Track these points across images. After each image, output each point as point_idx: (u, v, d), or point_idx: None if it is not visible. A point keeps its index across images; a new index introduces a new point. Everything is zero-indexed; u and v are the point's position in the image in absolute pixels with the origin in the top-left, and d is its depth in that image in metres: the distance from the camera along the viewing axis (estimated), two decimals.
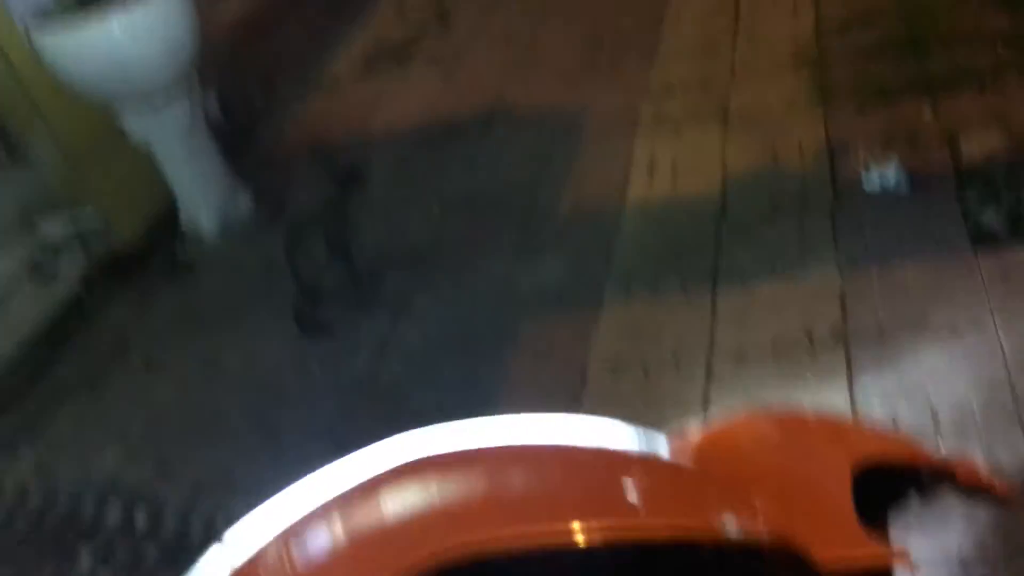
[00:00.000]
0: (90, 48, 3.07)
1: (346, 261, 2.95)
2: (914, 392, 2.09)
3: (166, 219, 3.63)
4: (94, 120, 3.35)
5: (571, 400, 2.37)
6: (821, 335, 2.31)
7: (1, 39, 3.14)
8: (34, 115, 3.26)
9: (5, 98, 3.26)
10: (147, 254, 3.57)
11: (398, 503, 1.02)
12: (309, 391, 2.73)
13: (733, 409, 2.10)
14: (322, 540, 1.00)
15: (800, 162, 2.95)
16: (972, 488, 1.28)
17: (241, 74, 4.37)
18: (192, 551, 1.04)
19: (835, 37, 3.55)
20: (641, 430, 1.14)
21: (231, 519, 1.05)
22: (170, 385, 2.94)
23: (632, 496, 1.06)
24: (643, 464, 1.11)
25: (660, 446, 1.14)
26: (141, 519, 2.43)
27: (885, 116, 3.01)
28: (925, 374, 2.12)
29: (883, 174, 2.71)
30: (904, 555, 1.05)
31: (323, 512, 1.00)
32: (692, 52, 3.80)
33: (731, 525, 0.99)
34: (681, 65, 3.73)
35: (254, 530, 1.01)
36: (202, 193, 3.44)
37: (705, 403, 2.24)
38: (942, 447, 1.93)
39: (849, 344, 2.25)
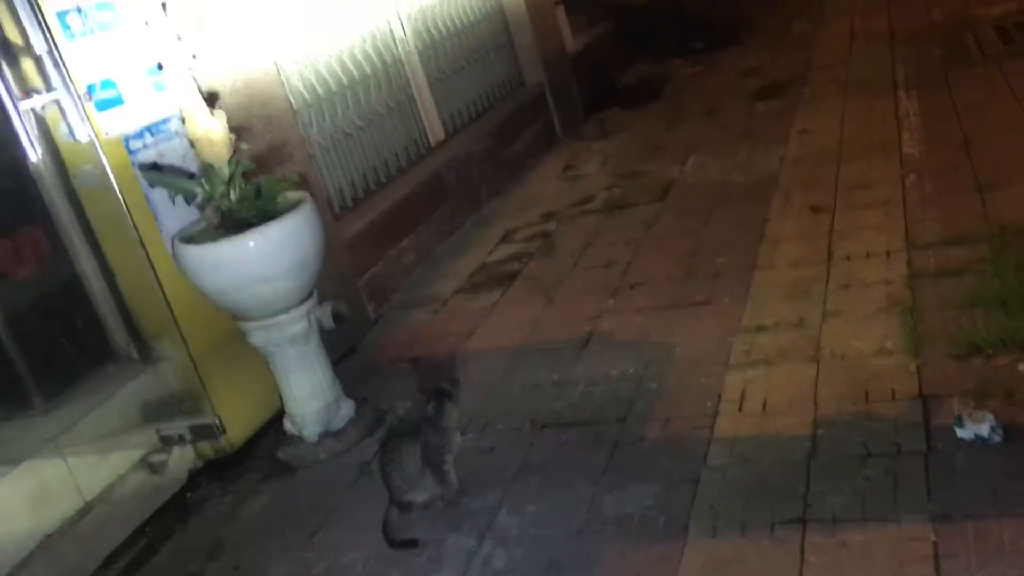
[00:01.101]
0: (226, 261, 3.34)
1: (439, 477, 3.03)
2: None
3: (271, 420, 3.83)
4: (219, 327, 3.62)
5: None
6: None
7: (151, 252, 3.48)
8: (168, 320, 3.54)
9: (146, 303, 3.58)
10: (250, 454, 3.74)
11: None
12: None
13: None
14: None
15: (893, 407, 2.96)
16: None
17: (355, 287, 4.69)
18: None
19: (929, 286, 3.62)
20: None
21: None
22: None
23: None
24: None
25: None
26: None
27: (979, 367, 3.03)
28: None
29: (977, 425, 2.71)
30: None
31: None
32: (785, 293, 3.90)
33: None
34: (774, 305, 3.83)
35: None
36: (308, 398, 3.62)
37: None
38: None
39: None
